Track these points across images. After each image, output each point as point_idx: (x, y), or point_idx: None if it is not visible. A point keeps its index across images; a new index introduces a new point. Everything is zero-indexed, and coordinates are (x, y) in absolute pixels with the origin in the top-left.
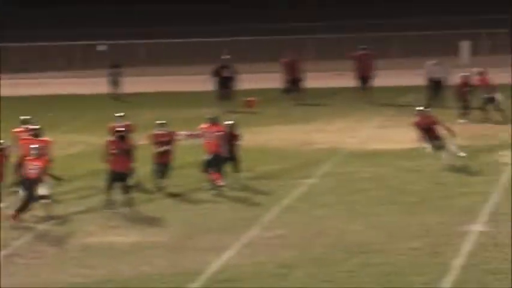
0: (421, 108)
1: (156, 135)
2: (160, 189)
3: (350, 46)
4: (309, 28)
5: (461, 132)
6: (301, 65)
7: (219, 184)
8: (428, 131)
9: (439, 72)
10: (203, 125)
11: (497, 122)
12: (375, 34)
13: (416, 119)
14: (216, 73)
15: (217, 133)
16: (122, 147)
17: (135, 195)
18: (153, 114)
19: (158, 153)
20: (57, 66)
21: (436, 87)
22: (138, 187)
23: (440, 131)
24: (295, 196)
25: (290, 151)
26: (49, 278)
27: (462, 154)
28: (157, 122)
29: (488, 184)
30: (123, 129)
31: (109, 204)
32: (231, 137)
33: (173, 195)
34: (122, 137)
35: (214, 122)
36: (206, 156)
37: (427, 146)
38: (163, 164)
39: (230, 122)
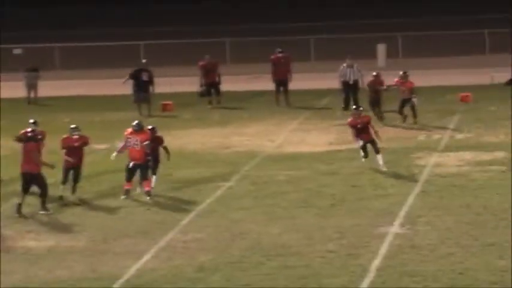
0: (355, 107)
1: (68, 140)
2: (73, 191)
3: (268, 49)
4: (225, 30)
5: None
6: (218, 67)
7: (147, 190)
8: (361, 130)
9: (352, 74)
10: (128, 131)
11: (413, 124)
12: (292, 37)
13: (350, 118)
14: (134, 76)
15: (144, 142)
16: (30, 149)
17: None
18: (69, 118)
19: (69, 157)
20: None
21: (349, 89)
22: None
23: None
24: (212, 199)
25: (207, 154)
26: None
27: (384, 169)
28: (71, 126)
29: (404, 186)
30: (31, 132)
31: (19, 209)
32: (155, 142)
33: (88, 201)
34: (31, 139)
35: (139, 129)
36: (130, 164)
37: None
38: (74, 168)
39: (151, 127)
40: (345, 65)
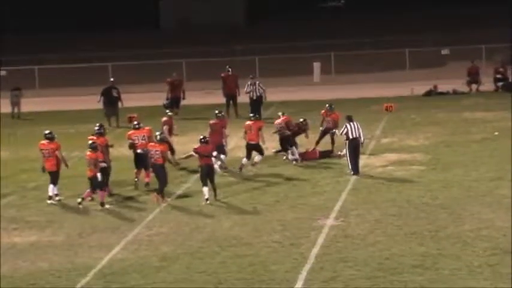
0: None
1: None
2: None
3: (218, 68)
4: (181, 53)
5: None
6: (182, 84)
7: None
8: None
9: (256, 90)
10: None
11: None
12: (241, 58)
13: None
14: (105, 93)
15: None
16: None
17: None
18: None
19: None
20: None
21: (254, 103)
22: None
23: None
24: (173, 198)
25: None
26: None
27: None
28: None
29: (337, 184)
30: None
31: None
32: None
33: (65, 201)
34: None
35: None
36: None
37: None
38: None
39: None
40: (249, 83)
